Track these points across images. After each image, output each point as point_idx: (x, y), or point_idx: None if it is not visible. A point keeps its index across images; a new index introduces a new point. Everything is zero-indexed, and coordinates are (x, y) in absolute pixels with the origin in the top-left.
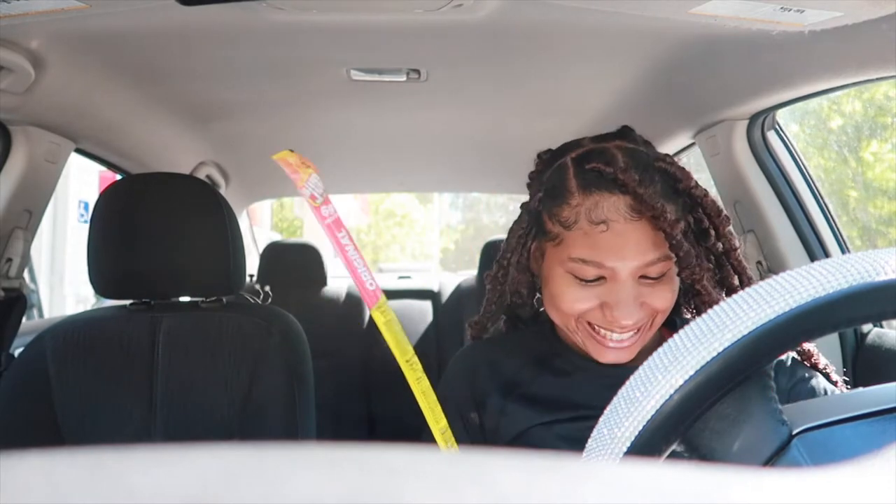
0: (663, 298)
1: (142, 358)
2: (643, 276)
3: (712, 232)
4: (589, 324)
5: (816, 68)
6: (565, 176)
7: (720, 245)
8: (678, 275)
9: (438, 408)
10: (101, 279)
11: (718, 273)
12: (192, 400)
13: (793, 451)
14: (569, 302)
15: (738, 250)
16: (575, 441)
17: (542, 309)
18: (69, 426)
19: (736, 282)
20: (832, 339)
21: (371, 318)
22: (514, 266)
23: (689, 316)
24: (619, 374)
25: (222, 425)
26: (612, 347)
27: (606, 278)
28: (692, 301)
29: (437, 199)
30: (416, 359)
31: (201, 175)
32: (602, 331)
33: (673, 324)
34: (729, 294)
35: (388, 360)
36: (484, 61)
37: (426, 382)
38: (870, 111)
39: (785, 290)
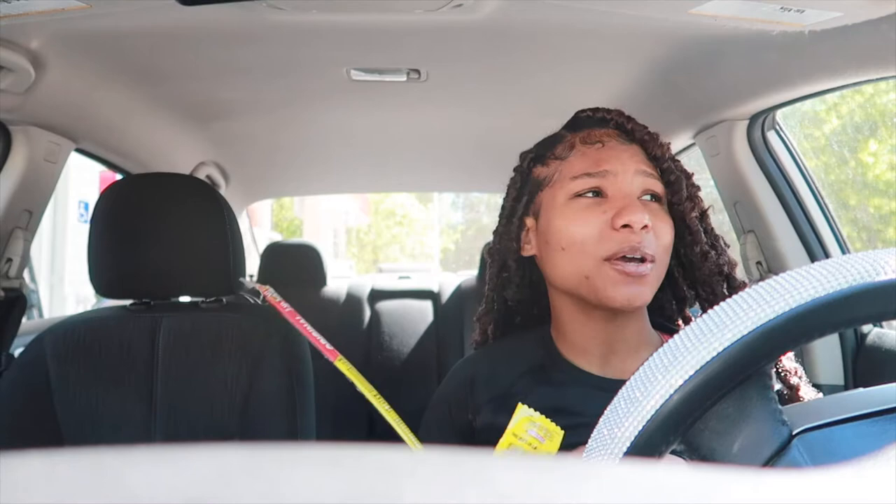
0: (664, 230)
1: (142, 358)
2: (642, 196)
3: (692, 190)
4: (604, 262)
5: (816, 68)
6: (555, 133)
7: (701, 201)
8: (670, 203)
9: (411, 433)
10: (101, 279)
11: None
12: (192, 400)
13: (793, 452)
14: (578, 227)
15: (710, 210)
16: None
17: (530, 311)
18: (69, 426)
19: (713, 254)
20: (832, 339)
21: (371, 318)
22: (505, 234)
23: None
24: (613, 387)
25: (222, 425)
26: (631, 276)
27: (609, 195)
28: (681, 246)
29: (437, 199)
30: (379, 395)
31: (201, 175)
32: (618, 262)
33: (666, 328)
34: (706, 263)
35: (387, 360)
36: (484, 61)
37: (394, 413)
38: (869, 111)
39: (785, 290)
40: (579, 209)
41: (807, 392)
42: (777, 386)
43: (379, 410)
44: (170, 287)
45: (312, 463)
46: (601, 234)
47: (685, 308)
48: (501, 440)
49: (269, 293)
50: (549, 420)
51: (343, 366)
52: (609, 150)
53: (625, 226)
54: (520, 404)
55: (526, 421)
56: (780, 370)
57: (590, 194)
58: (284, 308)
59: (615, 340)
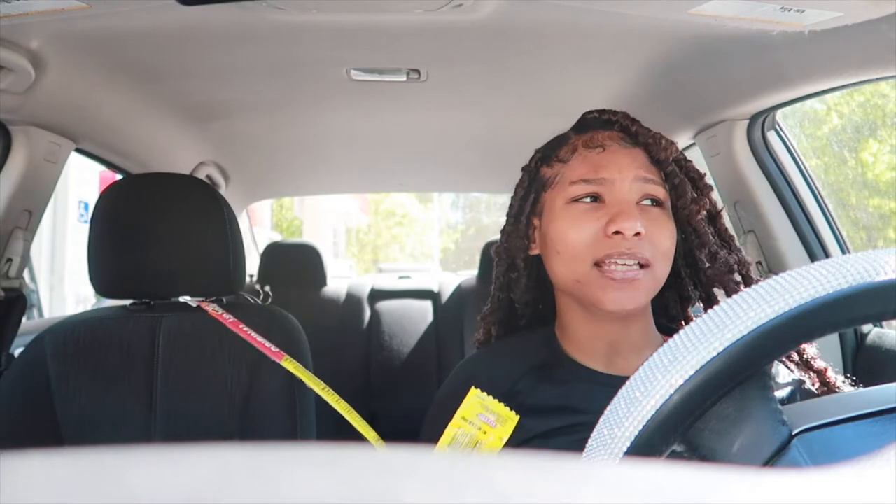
0: (662, 235)
1: (142, 358)
2: (642, 201)
3: (696, 193)
4: (596, 266)
5: (816, 68)
6: (562, 133)
7: (706, 205)
8: (674, 207)
9: (363, 421)
10: (101, 279)
11: (704, 242)
12: (192, 400)
13: (793, 452)
14: (573, 231)
15: (723, 212)
16: (572, 452)
17: (537, 307)
18: (69, 426)
19: (723, 254)
20: (832, 339)
21: (371, 318)
22: (513, 232)
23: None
24: (617, 383)
25: (222, 425)
26: (620, 282)
27: (606, 201)
28: (688, 246)
29: (437, 199)
30: (328, 387)
31: (201, 175)
32: (610, 264)
33: (668, 330)
34: (716, 263)
35: (387, 360)
36: (484, 61)
37: (344, 402)
38: (868, 110)
39: (785, 290)
40: (576, 214)
41: (832, 374)
42: (795, 376)
43: (330, 403)
44: (170, 287)
45: (312, 463)
46: (594, 240)
47: (688, 307)
48: (450, 424)
49: (209, 308)
50: (502, 405)
51: (290, 365)
52: (610, 154)
53: (617, 232)
54: (473, 388)
55: (477, 405)
56: (805, 358)
57: (588, 199)
58: (227, 319)
59: (619, 341)
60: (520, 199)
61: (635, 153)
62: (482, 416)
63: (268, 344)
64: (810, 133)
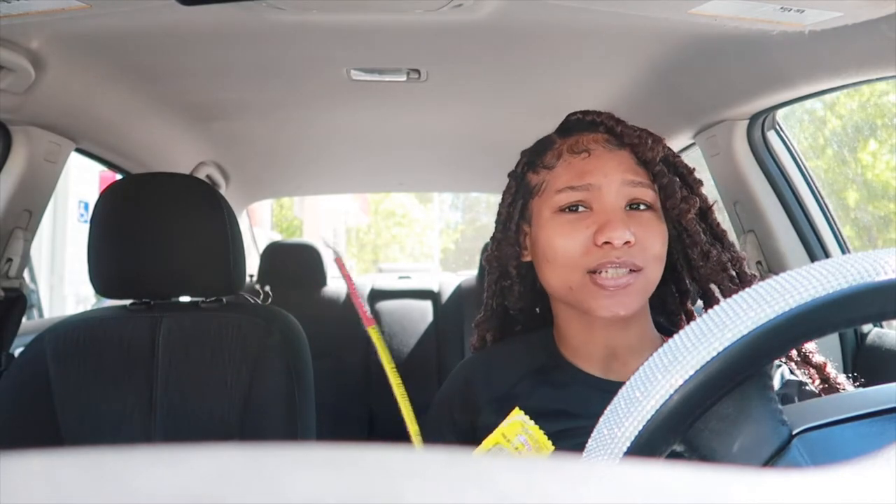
0: (653, 240)
1: (142, 358)
2: (630, 206)
3: (686, 192)
4: (589, 273)
5: (816, 68)
6: (547, 136)
7: (696, 203)
8: (664, 207)
9: (412, 413)
10: (101, 279)
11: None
12: (192, 400)
13: (793, 452)
14: (562, 241)
15: (714, 207)
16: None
17: (534, 308)
18: (69, 426)
19: (716, 252)
20: (832, 339)
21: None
22: (503, 240)
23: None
24: (615, 388)
25: (222, 425)
26: (611, 289)
27: (594, 209)
28: (681, 246)
29: (437, 199)
30: (395, 369)
31: (201, 175)
32: (601, 273)
33: (667, 331)
34: (708, 262)
35: None
36: (484, 61)
37: (403, 388)
38: (869, 110)
39: (785, 290)
40: (563, 223)
41: (832, 371)
42: (793, 376)
43: (396, 395)
44: (170, 287)
45: (313, 463)
46: (585, 249)
47: (687, 302)
48: (489, 437)
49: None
50: (542, 432)
51: (374, 334)
52: (595, 159)
53: (606, 242)
54: (517, 408)
55: (518, 426)
56: (804, 353)
57: (575, 207)
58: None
59: (616, 345)
60: (507, 206)
61: (621, 156)
62: (521, 437)
63: (368, 313)
64: (810, 134)
